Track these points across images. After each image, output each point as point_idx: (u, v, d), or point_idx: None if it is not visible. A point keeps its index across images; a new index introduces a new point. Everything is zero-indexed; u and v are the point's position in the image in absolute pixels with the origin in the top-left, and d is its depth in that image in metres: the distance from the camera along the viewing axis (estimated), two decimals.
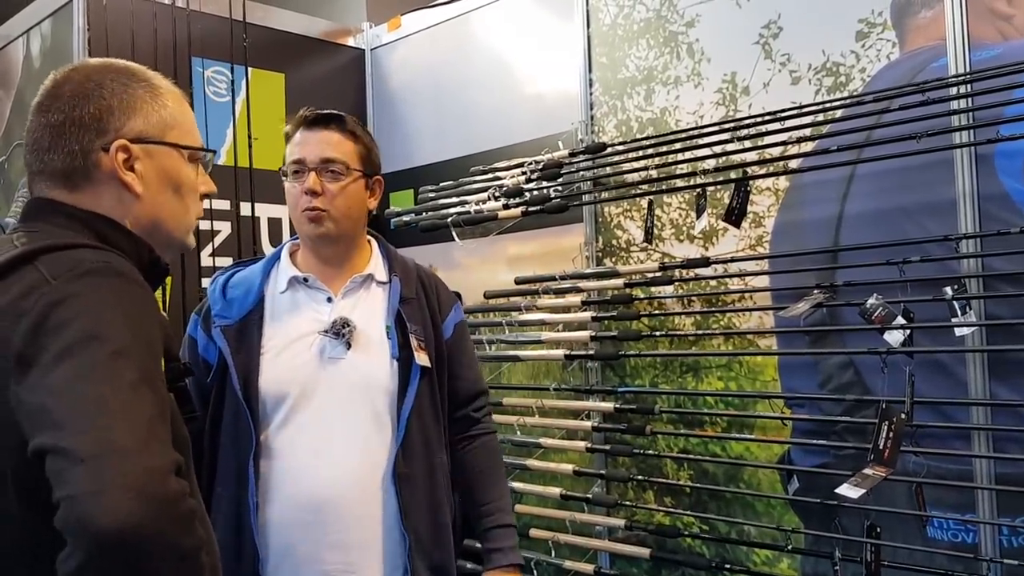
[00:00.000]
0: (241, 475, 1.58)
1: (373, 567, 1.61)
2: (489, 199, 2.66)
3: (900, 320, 1.83)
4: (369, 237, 1.80)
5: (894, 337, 1.83)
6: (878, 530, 1.88)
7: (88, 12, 2.71)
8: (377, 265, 1.74)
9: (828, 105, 2.11)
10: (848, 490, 1.75)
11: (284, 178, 1.70)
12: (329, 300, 1.67)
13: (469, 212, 2.68)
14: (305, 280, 1.68)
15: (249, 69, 2.97)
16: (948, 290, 1.84)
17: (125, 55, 2.72)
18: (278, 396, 1.60)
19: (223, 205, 2.83)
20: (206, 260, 2.79)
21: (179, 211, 1.18)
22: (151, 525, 0.84)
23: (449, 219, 2.70)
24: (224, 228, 2.89)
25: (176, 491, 0.88)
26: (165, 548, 0.85)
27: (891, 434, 1.76)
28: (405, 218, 2.90)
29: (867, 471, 1.77)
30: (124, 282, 1.01)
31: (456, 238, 2.72)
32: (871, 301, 1.87)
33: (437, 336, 1.74)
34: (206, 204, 2.64)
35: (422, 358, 1.67)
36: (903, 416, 1.77)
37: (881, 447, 1.75)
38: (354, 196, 1.69)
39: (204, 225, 2.75)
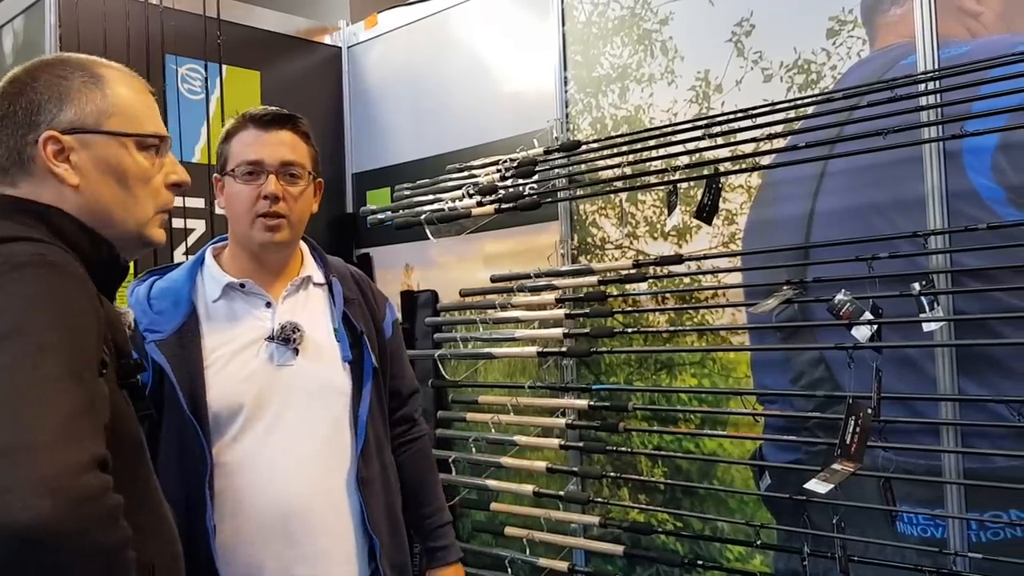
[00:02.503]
0: (193, 499, 1.48)
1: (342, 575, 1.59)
2: (463, 197, 2.65)
3: (867, 315, 1.83)
4: None
5: (861, 332, 1.83)
6: (842, 525, 1.89)
7: (60, 9, 2.69)
8: (311, 267, 1.69)
9: (799, 102, 2.12)
10: (816, 485, 1.76)
11: (229, 178, 1.61)
12: (268, 305, 1.61)
13: (443, 210, 2.68)
14: (242, 286, 1.60)
15: (223, 67, 2.95)
16: (916, 286, 1.85)
17: (97, 52, 2.68)
18: (231, 409, 1.53)
19: (197, 203, 2.82)
20: (179, 258, 2.78)
21: (127, 202, 1.14)
22: (62, 522, 0.81)
23: (423, 217, 2.70)
24: (198, 226, 2.88)
25: (93, 487, 0.85)
26: (81, 544, 0.82)
27: (857, 429, 1.76)
28: (380, 216, 2.89)
29: (835, 466, 1.77)
30: (58, 275, 0.99)
31: (430, 236, 2.71)
32: (839, 297, 1.88)
33: (380, 336, 1.72)
34: (178, 201, 2.66)
35: (375, 359, 1.65)
36: (869, 411, 1.78)
37: (848, 442, 1.76)
38: (308, 201, 1.65)
39: (177, 223, 2.74)
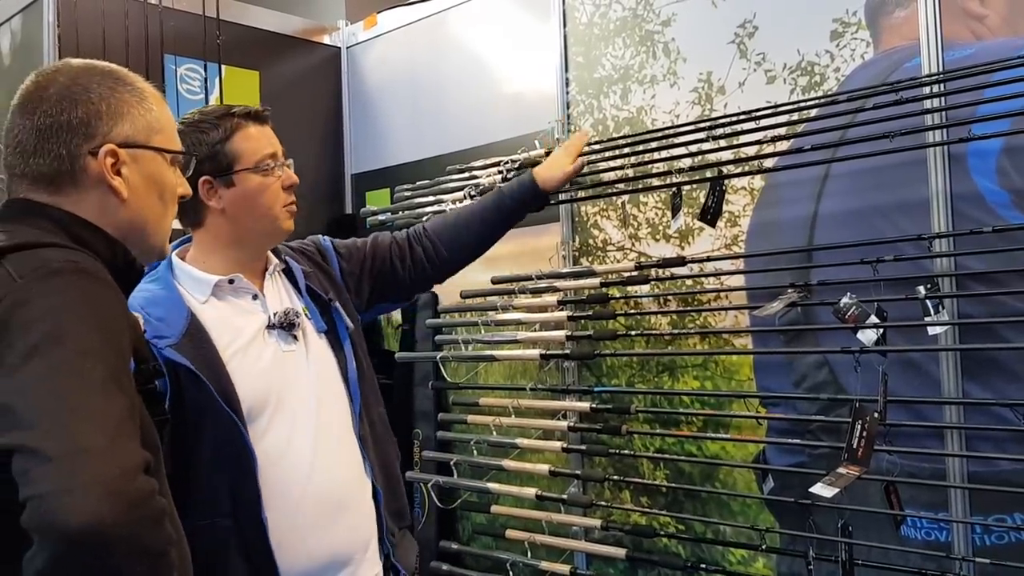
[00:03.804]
0: (242, 495, 1.48)
1: (372, 537, 1.63)
2: (465, 198, 2.64)
3: (873, 319, 1.83)
4: None
5: (867, 336, 1.83)
6: (849, 529, 1.88)
7: (58, 8, 2.68)
8: (271, 256, 1.72)
9: (803, 104, 2.11)
10: (822, 489, 1.75)
11: (243, 175, 1.60)
12: (255, 297, 1.63)
13: (445, 211, 2.67)
14: (231, 282, 1.61)
15: (223, 67, 2.94)
16: (921, 289, 1.84)
17: (96, 52, 2.70)
18: (261, 401, 1.54)
19: None
20: None
21: (161, 216, 1.19)
22: (121, 523, 0.84)
23: (424, 218, 2.68)
24: None
25: (146, 490, 0.88)
26: (134, 546, 0.85)
27: (864, 433, 1.76)
28: (380, 217, 2.88)
29: (841, 470, 1.77)
30: (91, 282, 1.01)
31: None
32: (844, 300, 1.87)
33: (337, 291, 1.75)
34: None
35: (346, 319, 1.70)
36: (876, 415, 1.77)
37: (854, 446, 1.75)
38: None
39: (176, 224, 2.71)
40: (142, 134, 1.15)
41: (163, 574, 0.89)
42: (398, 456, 1.80)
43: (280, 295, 1.67)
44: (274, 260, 1.70)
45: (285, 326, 1.60)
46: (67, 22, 2.66)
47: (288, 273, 1.72)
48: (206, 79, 2.88)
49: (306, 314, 1.66)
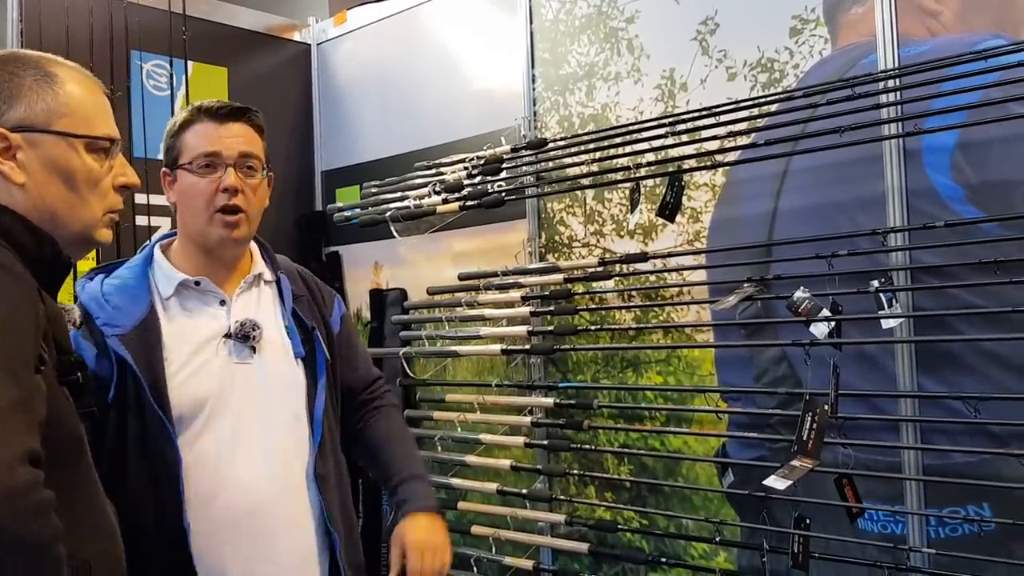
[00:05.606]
0: (165, 498, 1.45)
1: (305, 573, 1.58)
2: (429, 194, 2.64)
3: (825, 312, 1.84)
4: None
5: (819, 329, 1.84)
6: (807, 521, 1.89)
7: (22, 4, 2.66)
8: (261, 264, 1.67)
9: (760, 101, 2.12)
10: (775, 482, 1.76)
11: (182, 172, 1.57)
12: (222, 303, 1.59)
13: (409, 207, 2.67)
14: (196, 284, 1.58)
15: (189, 63, 2.93)
16: (874, 283, 1.86)
17: (60, 48, 2.69)
18: (194, 407, 1.51)
19: (162, 200, 2.77)
20: None
21: (74, 203, 1.14)
22: None
23: (388, 214, 2.68)
24: (164, 224, 2.84)
25: (24, 481, 0.87)
26: (11, 538, 0.84)
27: (814, 426, 1.77)
28: (347, 213, 2.88)
29: (794, 463, 1.78)
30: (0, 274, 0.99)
31: (395, 234, 2.70)
32: (798, 294, 1.89)
33: (328, 332, 1.70)
34: (142, 199, 2.64)
35: (325, 351, 1.64)
36: (826, 408, 1.78)
37: (805, 439, 1.77)
38: (264, 195, 1.63)
39: (141, 221, 2.71)
40: (40, 118, 1.12)
41: (47, 567, 0.88)
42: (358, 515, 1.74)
43: (253, 306, 1.62)
44: (259, 269, 1.65)
45: (240, 337, 1.56)
46: (31, 17, 2.64)
47: (279, 287, 1.67)
48: (172, 75, 2.87)
49: (287, 333, 1.62)
